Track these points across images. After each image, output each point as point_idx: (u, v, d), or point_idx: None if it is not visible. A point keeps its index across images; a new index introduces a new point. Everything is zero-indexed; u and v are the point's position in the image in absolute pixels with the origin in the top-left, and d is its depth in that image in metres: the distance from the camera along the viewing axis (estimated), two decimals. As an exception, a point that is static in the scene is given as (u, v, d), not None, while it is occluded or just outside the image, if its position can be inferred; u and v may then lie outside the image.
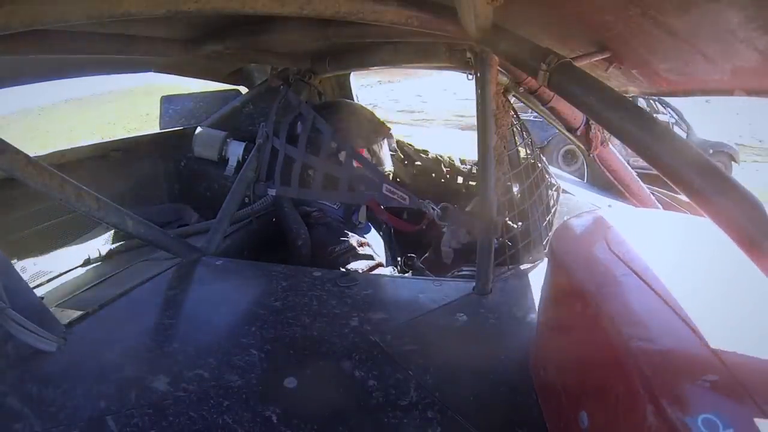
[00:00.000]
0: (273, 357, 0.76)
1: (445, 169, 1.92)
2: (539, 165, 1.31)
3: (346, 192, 1.28)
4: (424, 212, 1.26)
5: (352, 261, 1.23)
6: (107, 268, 1.11)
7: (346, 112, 1.45)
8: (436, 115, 9.49)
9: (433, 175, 1.92)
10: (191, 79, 1.73)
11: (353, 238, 1.30)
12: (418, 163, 1.96)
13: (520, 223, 1.17)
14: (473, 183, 1.82)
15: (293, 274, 1.03)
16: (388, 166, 1.50)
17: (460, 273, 1.17)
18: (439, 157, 1.94)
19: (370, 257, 1.27)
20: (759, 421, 0.37)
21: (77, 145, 1.53)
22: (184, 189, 1.71)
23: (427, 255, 1.68)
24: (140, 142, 1.71)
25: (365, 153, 1.43)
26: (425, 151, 1.96)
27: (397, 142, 1.92)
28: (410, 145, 1.98)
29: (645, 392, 0.41)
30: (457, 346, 0.81)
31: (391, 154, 1.64)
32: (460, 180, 1.89)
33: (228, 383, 0.70)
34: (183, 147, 1.68)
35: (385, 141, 1.51)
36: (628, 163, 1.63)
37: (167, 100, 1.90)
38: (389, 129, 1.52)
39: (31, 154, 0.85)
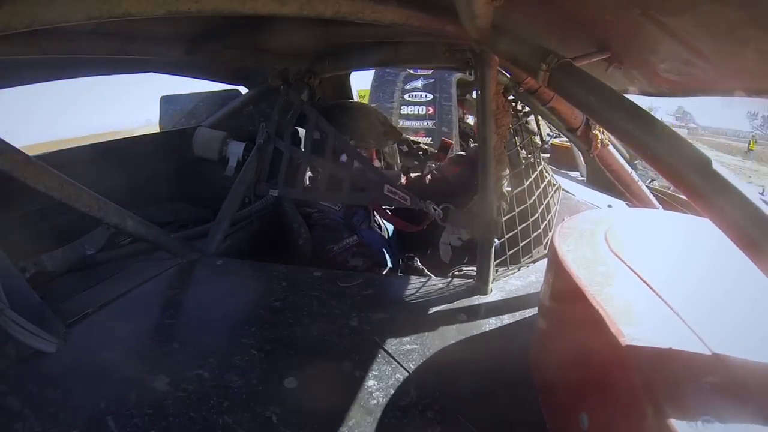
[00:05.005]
0: (273, 357, 0.76)
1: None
2: (539, 165, 1.30)
3: (349, 193, 1.28)
4: (425, 213, 1.26)
5: (351, 260, 1.24)
6: (107, 268, 1.11)
7: (358, 113, 1.45)
8: None
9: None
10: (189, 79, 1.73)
11: (352, 238, 1.30)
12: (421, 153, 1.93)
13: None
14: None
15: (293, 274, 1.03)
16: (397, 168, 1.50)
17: (460, 273, 1.17)
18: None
19: (368, 256, 1.27)
20: (759, 423, 0.37)
21: (77, 145, 1.53)
22: (184, 189, 1.70)
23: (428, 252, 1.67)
24: (140, 142, 1.71)
25: (374, 155, 1.44)
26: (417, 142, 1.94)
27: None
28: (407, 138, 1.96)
29: (645, 394, 0.41)
30: (457, 346, 0.81)
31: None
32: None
33: (228, 383, 0.70)
34: (183, 147, 1.68)
35: (396, 145, 1.51)
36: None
37: (167, 100, 1.90)
38: (401, 134, 1.52)
39: (31, 154, 0.85)
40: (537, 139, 1.35)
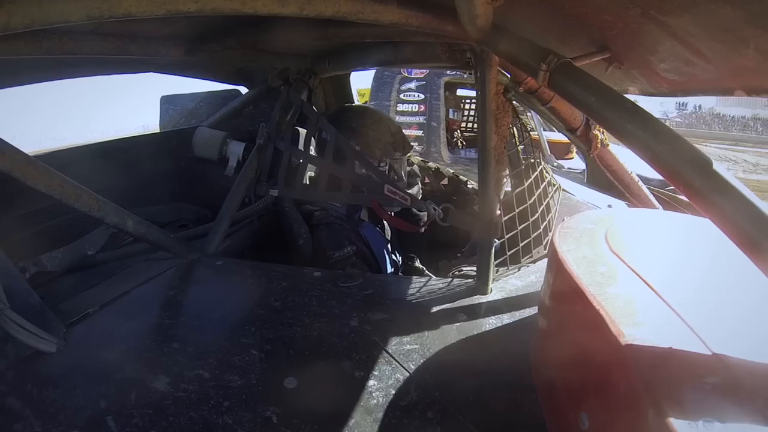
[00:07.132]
0: (273, 357, 0.76)
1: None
2: (539, 165, 1.30)
3: (349, 193, 1.28)
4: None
5: (349, 270, 1.24)
6: (107, 268, 1.11)
7: (370, 120, 1.43)
8: None
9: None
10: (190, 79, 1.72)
11: (352, 246, 1.30)
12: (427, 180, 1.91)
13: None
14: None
15: (293, 274, 1.03)
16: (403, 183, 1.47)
17: (460, 273, 1.16)
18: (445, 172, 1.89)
19: (365, 267, 1.28)
20: (760, 424, 0.37)
21: (77, 145, 1.53)
22: (184, 189, 1.70)
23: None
24: (140, 142, 1.71)
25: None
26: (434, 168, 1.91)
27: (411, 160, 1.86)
28: (421, 161, 1.94)
29: (646, 394, 0.41)
30: (457, 346, 0.81)
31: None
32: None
33: (228, 383, 0.70)
34: (183, 147, 1.68)
35: (405, 159, 1.49)
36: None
37: (167, 100, 1.90)
38: (411, 148, 1.51)
39: (31, 154, 0.85)
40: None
